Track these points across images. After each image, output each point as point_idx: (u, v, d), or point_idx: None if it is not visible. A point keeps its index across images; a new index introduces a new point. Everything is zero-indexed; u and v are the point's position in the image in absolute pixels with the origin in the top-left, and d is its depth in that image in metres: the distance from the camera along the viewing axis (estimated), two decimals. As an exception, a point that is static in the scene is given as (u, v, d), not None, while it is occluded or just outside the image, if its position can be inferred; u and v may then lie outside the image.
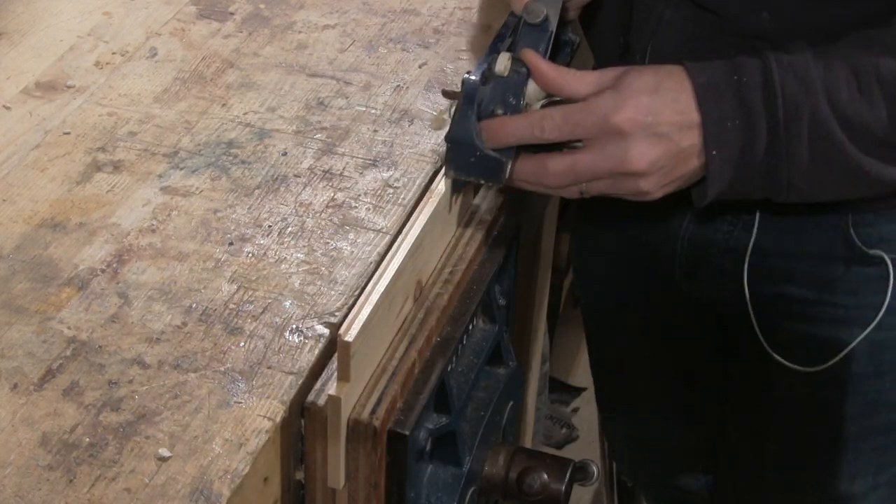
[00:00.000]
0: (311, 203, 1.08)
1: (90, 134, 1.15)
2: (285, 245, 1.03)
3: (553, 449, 2.26)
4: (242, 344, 0.94)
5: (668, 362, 1.42)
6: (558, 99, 0.96)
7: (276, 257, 1.02)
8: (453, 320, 0.98)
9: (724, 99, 0.93)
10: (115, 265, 1.00)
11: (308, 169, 1.12)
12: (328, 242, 1.04)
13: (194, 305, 0.97)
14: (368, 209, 1.07)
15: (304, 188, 1.10)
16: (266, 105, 1.20)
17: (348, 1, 1.36)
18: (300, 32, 1.31)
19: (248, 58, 1.27)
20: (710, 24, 1.05)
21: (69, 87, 1.21)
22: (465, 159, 0.95)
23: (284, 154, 1.13)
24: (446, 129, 0.96)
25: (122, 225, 1.04)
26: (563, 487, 1.04)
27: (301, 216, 1.06)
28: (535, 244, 1.70)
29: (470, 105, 0.94)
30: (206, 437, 0.86)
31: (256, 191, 1.09)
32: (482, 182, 0.97)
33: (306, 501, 0.94)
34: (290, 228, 1.05)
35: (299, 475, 0.92)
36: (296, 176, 1.11)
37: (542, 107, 0.96)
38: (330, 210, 1.07)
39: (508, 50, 0.98)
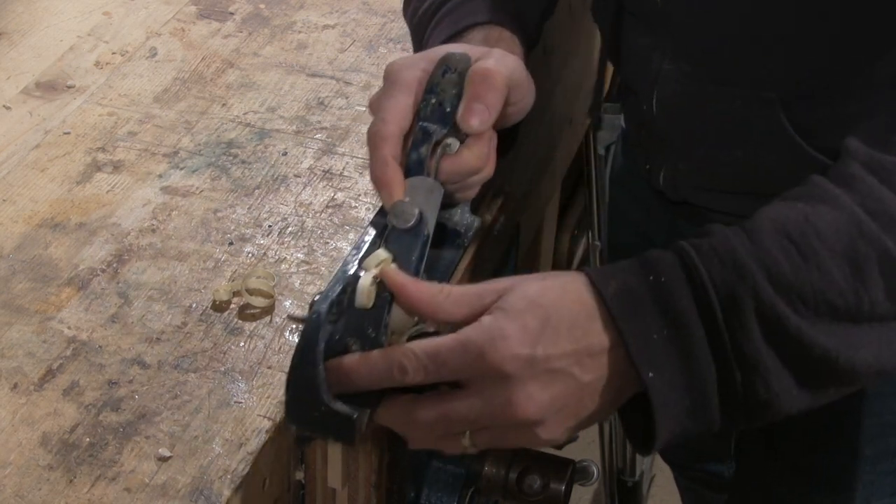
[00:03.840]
0: (311, 203, 1.08)
1: (90, 134, 1.15)
2: (285, 245, 1.03)
3: (553, 449, 2.26)
4: (242, 344, 0.94)
5: None
6: (432, 329, 0.78)
7: (276, 257, 1.02)
8: (453, 321, 0.98)
9: (642, 309, 0.74)
10: (115, 265, 1.00)
11: (308, 169, 1.12)
12: (328, 242, 1.04)
13: (194, 305, 0.97)
14: (368, 209, 1.07)
15: (304, 188, 1.10)
16: (266, 105, 1.20)
17: (348, 1, 1.36)
18: (300, 32, 1.31)
19: (248, 58, 1.27)
20: (710, 77, 0.99)
21: (69, 87, 1.21)
22: (307, 413, 0.75)
23: (284, 154, 1.13)
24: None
25: (122, 225, 1.04)
26: (563, 487, 1.04)
27: (301, 216, 1.06)
28: (535, 244, 1.70)
29: (312, 345, 0.74)
30: (206, 437, 0.86)
31: (256, 191, 1.09)
32: (331, 440, 0.81)
33: (306, 501, 0.94)
34: (290, 228, 1.05)
35: (299, 475, 0.92)
36: (296, 176, 1.11)
37: (411, 338, 0.77)
38: (330, 210, 1.07)
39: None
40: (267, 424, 0.87)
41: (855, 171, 0.77)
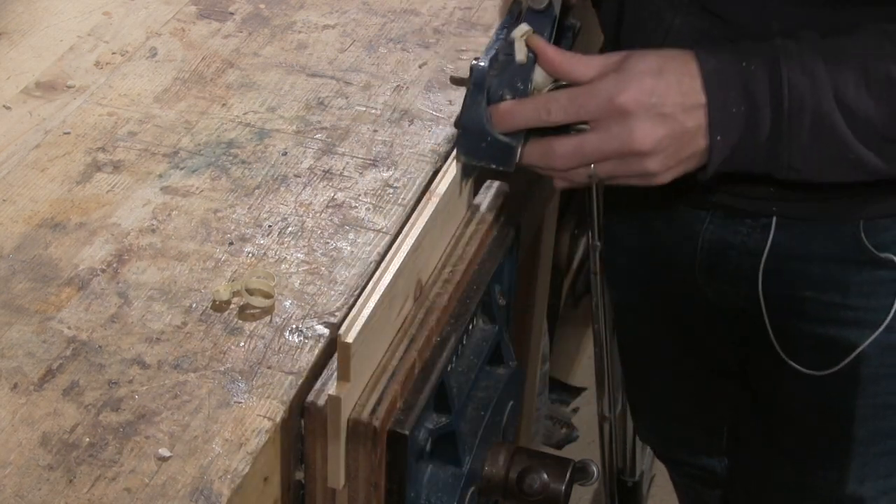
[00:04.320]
0: (311, 203, 1.08)
1: (90, 134, 1.15)
2: (285, 245, 1.03)
3: (553, 449, 2.26)
4: (242, 344, 0.94)
5: (689, 351, 1.44)
6: (565, 84, 0.97)
7: (276, 257, 1.02)
8: (453, 320, 0.98)
9: (730, 86, 0.94)
10: (115, 265, 1.00)
11: (308, 169, 1.12)
12: (328, 242, 1.04)
13: (194, 305, 0.97)
14: (368, 209, 1.07)
15: (304, 188, 1.10)
16: (266, 105, 1.20)
17: (348, 1, 1.36)
18: (300, 32, 1.31)
19: (248, 58, 1.27)
20: (720, 31, 1.05)
21: (69, 87, 1.21)
22: (475, 144, 0.97)
23: (284, 154, 1.13)
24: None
25: (122, 225, 1.04)
26: (563, 487, 1.04)
27: (301, 216, 1.06)
28: (535, 244, 1.70)
29: (479, 91, 0.96)
30: (206, 437, 0.86)
31: (256, 191, 1.09)
32: (493, 167, 0.98)
33: (306, 501, 0.94)
34: (290, 228, 1.05)
35: (299, 475, 0.92)
36: (296, 176, 1.11)
37: (549, 91, 0.97)
38: (330, 210, 1.07)
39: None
40: (267, 424, 0.87)
41: None
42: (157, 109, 1.19)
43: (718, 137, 0.95)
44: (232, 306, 0.97)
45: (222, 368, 0.91)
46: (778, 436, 1.30)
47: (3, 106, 1.18)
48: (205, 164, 1.12)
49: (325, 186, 1.10)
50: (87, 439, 0.85)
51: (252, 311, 0.96)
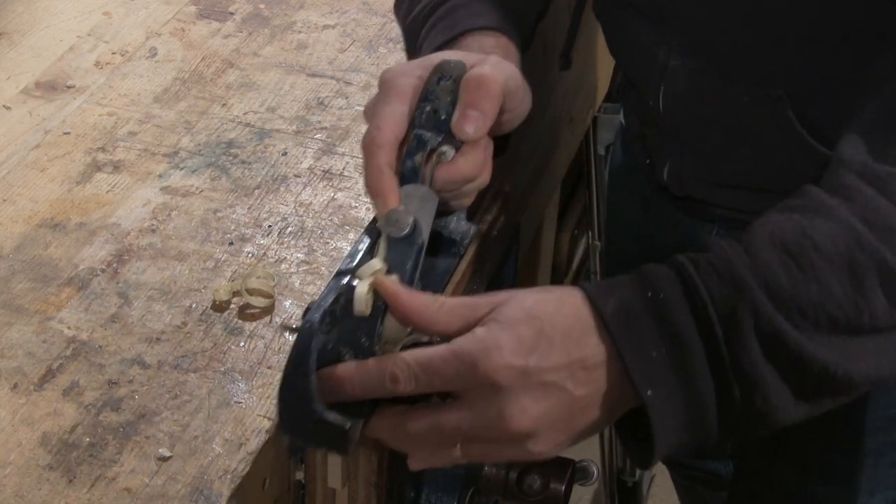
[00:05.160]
0: (311, 203, 1.08)
1: (90, 134, 1.15)
2: (285, 245, 1.03)
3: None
4: (242, 344, 0.94)
5: None
6: (426, 339, 0.77)
7: (276, 257, 1.02)
8: (453, 321, 0.98)
9: (640, 325, 0.73)
10: (115, 265, 1.00)
11: (308, 169, 1.12)
12: (328, 242, 1.04)
13: (194, 305, 0.97)
14: (368, 209, 1.07)
15: (304, 188, 1.10)
16: (266, 105, 1.20)
17: (348, 1, 1.37)
18: (300, 32, 1.31)
19: (248, 58, 1.27)
20: (717, 72, 1.00)
21: (69, 87, 1.21)
22: (299, 423, 0.74)
23: (284, 154, 1.13)
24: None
25: (122, 225, 1.04)
26: (563, 487, 1.04)
27: (301, 216, 1.06)
28: (535, 244, 1.70)
29: (305, 356, 0.73)
30: (206, 437, 0.86)
31: (256, 191, 1.09)
32: (326, 450, 0.81)
33: (306, 501, 0.94)
34: (290, 228, 1.05)
35: (299, 475, 0.92)
36: (296, 176, 1.11)
37: (404, 347, 0.77)
38: (330, 210, 1.07)
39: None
40: (267, 424, 0.87)
41: (850, 181, 0.76)
42: (157, 109, 1.19)
43: (650, 393, 0.72)
44: (232, 306, 0.97)
45: (222, 368, 0.91)
46: (785, 445, 1.30)
47: (3, 106, 1.18)
48: (205, 164, 1.12)
49: (325, 186, 1.10)
50: (87, 439, 0.85)
51: (252, 311, 0.96)
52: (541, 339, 0.72)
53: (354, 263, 0.77)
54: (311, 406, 0.73)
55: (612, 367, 0.73)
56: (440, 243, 0.88)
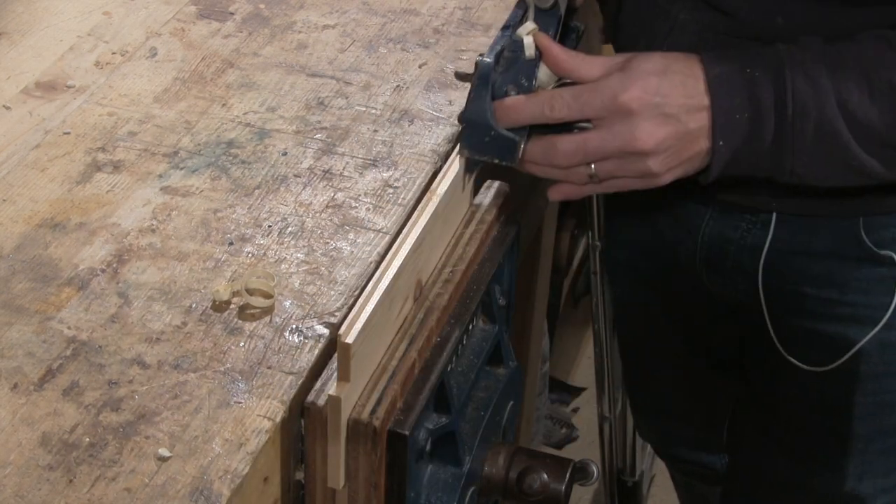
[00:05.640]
0: (311, 203, 1.08)
1: (90, 134, 1.15)
2: (285, 245, 1.03)
3: (553, 449, 2.27)
4: (242, 344, 0.94)
5: (689, 346, 1.45)
6: (569, 81, 0.98)
7: (276, 257, 1.02)
8: (453, 320, 0.98)
9: (734, 92, 0.95)
10: (115, 265, 1.00)
11: (308, 169, 1.12)
12: (328, 242, 1.04)
13: (194, 305, 0.97)
14: (368, 209, 1.07)
15: (304, 188, 1.10)
16: (266, 105, 1.20)
17: (348, 1, 1.36)
18: (300, 32, 1.31)
19: (248, 58, 1.27)
20: (724, 27, 1.06)
21: (69, 87, 1.21)
22: (479, 139, 0.98)
23: (284, 154, 1.13)
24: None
25: (122, 225, 1.04)
26: (563, 487, 1.04)
27: (301, 216, 1.06)
28: (535, 244, 1.70)
29: (484, 86, 0.96)
30: (206, 437, 0.86)
31: (256, 191, 1.09)
32: (496, 161, 0.99)
33: (306, 501, 0.94)
34: (290, 228, 1.05)
35: (299, 475, 0.92)
36: (296, 176, 1.11)
37: (553, 88, 0.98)
38: (330, 210, 1.07)
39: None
40: (267, 424, 0.87)
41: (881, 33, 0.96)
42: (157, 109, 1.19)
43: (721, 143, 0.96)
44: (232, 306, 0.97)
45: (222, 368, 0.91)
46: (776, 432, 1.31)
47: (3, 106, 1.18)
48: (205, 164, 1.12)
49: (325, 186, 1.10)
50: (87, 439, 0.85)
51: (252, 311, 0.96)
52: (664, 81, 0.94)
53: (516, 21, 1.00)
54: (490, 123, 0.97)
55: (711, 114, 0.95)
56: (564, 32, 1.07)
